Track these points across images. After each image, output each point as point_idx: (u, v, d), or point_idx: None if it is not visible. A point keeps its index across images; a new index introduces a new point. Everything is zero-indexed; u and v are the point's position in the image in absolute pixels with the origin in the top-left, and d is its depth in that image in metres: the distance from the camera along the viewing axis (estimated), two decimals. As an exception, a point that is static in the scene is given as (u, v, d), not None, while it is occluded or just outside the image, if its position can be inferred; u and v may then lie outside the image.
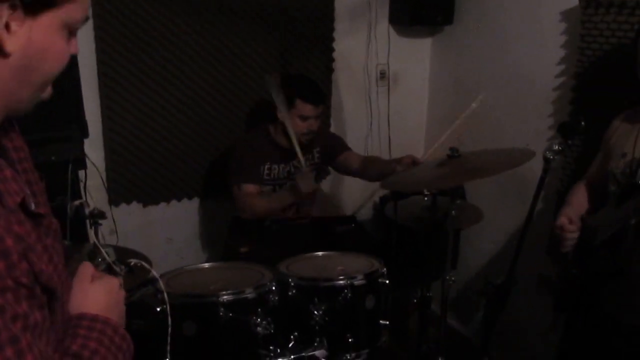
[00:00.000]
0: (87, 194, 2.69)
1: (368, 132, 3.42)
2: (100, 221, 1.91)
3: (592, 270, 1.95)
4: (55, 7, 0.78)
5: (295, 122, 2.67)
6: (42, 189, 0.92)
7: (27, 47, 0.76)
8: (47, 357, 0.77)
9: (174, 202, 3.06)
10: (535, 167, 2.02)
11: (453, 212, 2.28)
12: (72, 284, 0.97)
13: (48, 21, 0.78)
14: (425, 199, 2.46)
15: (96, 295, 0.98)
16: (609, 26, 2.29)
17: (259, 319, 1.91)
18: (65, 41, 0.82)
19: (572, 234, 1.95)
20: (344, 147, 2.98)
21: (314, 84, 2.79)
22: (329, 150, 2.94)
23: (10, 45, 0.75)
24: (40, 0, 0.77)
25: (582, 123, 1.77)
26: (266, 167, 2.76)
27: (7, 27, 0.74)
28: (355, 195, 3.48)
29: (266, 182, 2.77)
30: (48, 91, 0.86)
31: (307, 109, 2.66)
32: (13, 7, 0.73)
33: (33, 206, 0.81)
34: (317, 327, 2.01)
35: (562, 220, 1.97)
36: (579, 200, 2.09)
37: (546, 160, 1.82)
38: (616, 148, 1.92)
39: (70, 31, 0.83)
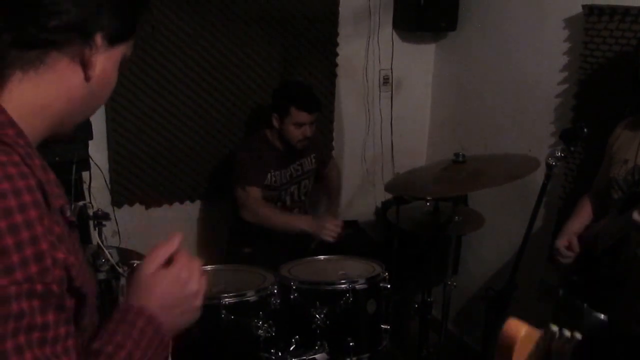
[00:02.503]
0: (90, 195, 2.70)
1: (371, 137, 3.43)
2: (103, 222, 1.92)
3: (593, 278, 1.95)
4: (126, 41, 0.87)
5: (290, 129, 2.69)
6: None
7: (99, 74, 0.84)
8: None
9: (176, 205, 3.07)
10: (537, 173, 2.03)
11: (455, 217, 2.29)
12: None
13: (117, 53, 0.86)
14: (428, 204, 2.46)
15: (157, 288, 0.90)
16: (611, 33, 2.30)
17: (260, 322, 1.92)
18: (117, 70, 0.90)
19: (567, 260, 1.98)
20: (327, 161, 3.08)
21: (309, 91, 2.78)
22: (321, 160, 2.99)
23: (94, 70, 0.82)
24: (121, 33, 0.85)
25: (585, 130, 1.77)
26: (272, 174, 2.78)
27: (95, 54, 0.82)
28: (356, 199, 3.48)
29: (272, 189, 2.78)
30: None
31: (302, 116, 2.67)
32: (104, 38, 0.82)
33: (69, 213, 0.82)
34: (318, 331, 2.01)
35: (561, 243, 2.00)
36: (585, 211, 2.10)
37: (548, 166, 1.82)
38: (618, 154, 1.93)
39: (122, 64, 0.90)
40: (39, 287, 0.70)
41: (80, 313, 0.81)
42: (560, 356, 0.83)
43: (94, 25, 0.80)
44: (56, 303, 0.72)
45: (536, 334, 0.85)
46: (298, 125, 2.68)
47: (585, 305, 1.36)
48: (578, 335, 0.83)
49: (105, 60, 0.84)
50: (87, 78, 0.82)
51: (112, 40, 0.83)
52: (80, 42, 0.80)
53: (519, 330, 0.84)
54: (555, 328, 0.83)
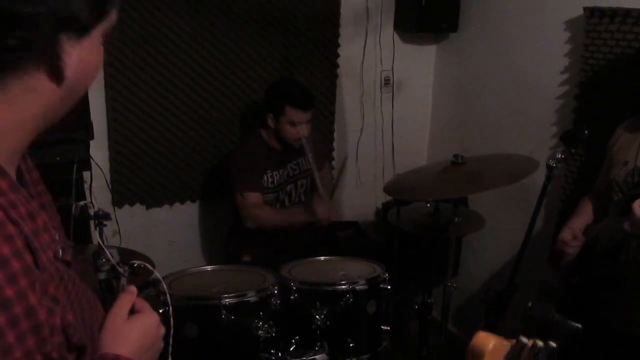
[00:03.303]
0: (91, 195, 2.70)
1: (372, 137, 3.43)
2: (104, 222, 1.92)
3: (592, 279, 1.95)
4: (103, 20, 0.78)
5: (286, 128, 2.68)
6: (55, 212, 0.89)
7: (77, 67, 0.75)
8: None
9: (177, 205, 3.07)
10: (537, 175, 2.03)
11: (456, 219, 2.29)
12: (105, 321, 0.91)
13: (96, 35, 0.78)
14: (428, 205, 2.47)
15: (130, 335, 0.91)
16: (612, 35, 2.30)
17: (260, 322, 1.92)
18: (102, 48, 0.81)
19: (573, 250, 1.96)
20: (324, 163, 3.06)
21: (303, 88, 2.77)
22: (318, 161, 2.96)
23: (68, 70, 0.74)
24: (93, 17, 0.76)
25: (585, 132, 1.77)
26: (268, 175, 2.77)
27: (65, 53, 0.74)
28: (357, 200, 3.48)
29: (269, 190, 2.78)
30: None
31: (296, 114, 2.65)
32: (70, 37, 0.73)
33: (60, 253, 0.78)
34: (318, 332, 2.01)
35: (566, 235, 1.98)
36: (586, 211, 2.10)
37: (549, 168, 1.82)
38: (618, 156, 1.93)
39: (105, 36, 0.81)
40: (38, 357, 0.68)
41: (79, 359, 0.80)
42: None
43: (54, 32, 0.71)
44: None
45: (506, 345, 0.83)
46: (293, 124, 2.67)
47: (556, 315, 1.33)
48: (553, 344, 0.82)
49: (80, 51, 0.75)
50: (61, 82, 0.74)
51: (82, 32, 0.74)
52: (43, 53, 0.72)
53: (487, 342, 0.83)
54: (525, 340, 0.81)
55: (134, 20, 2.69)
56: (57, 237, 0.79)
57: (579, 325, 1.35)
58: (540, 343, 0.81)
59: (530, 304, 1.72)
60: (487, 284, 3.08)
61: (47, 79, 0.74)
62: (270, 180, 2.77)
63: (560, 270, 2.06)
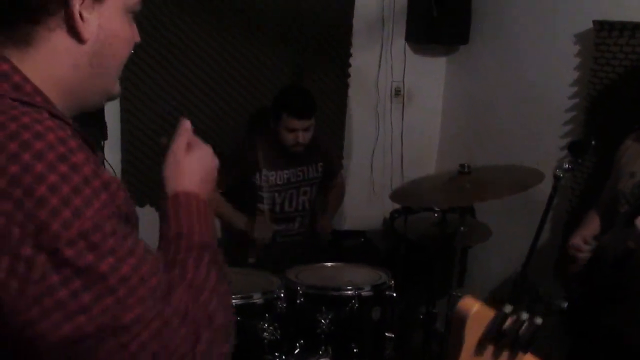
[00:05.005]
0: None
1: (381, 147, 3.44)
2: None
3: (598, 291, 1.95)
4: None
5: (283, 133, 2.68)
6: None
7: (98, 33, 0.84)
8: (157, 259, 0.83)
9: (187, 208, 3.09)
10: (544, 186, 2.03)
11: (462, 228, 2.29)
12: None
13: (112, 5, 0.85)
14: (435, 215, 2.48)
15: (190, 169, 1.01)
16: (622, 49, 2.31)
17: (266, 325, 1.94)
18: (129, 26, 0.90)
19: (585, 254, 1.95)
20: (335, 175, 3.06)
21: (303, 96, 2.73)
22: (328, 173, 2.96)
23: (86, 33, 0.82)
24: None
25: (593, 142, 1.78)
26: (261, 173, 2.72)
27: (80, 17, 0.81)
28: (365, 210, 3.49)
29: (262, 189, 2.74)
30: (117, 87, 0.94)
31: (291, 122, 2.65)
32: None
33: None
34: (323, 336, 2.03)
35: (577, 240, 1.98)
36: (592, 223, 2.10)
37: (556, 178, 1.83)
38: (625, 168, 1.93)
39: (131, 15, 0.90)
40: (113, 208, 0.76)
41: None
42: (514, 338, 0.80)
43: None
44: (125, 219, 0.79)
45: (489, 313, 0.83)
46: (289, 130, 2.66)
47: (540, 289, 1.32)
48: (538, 321, 0.81)
49: (99, 17, 0.84)
50: (81, 41, 0.83)
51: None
52: (61, 10, 0.80)
53: (471, 307, 0.83)
54: (509, 309, 0.80)
55: (150, 23, 2.74)
56: None
57: (565, 305, 1.35)
58: (524, 315, 0.80)
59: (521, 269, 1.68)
60: (492, 295, 3.08)
61: (69, 39, 0.82)
62: (263, 178, 2.73)
63: (567, 280, 2.06)
